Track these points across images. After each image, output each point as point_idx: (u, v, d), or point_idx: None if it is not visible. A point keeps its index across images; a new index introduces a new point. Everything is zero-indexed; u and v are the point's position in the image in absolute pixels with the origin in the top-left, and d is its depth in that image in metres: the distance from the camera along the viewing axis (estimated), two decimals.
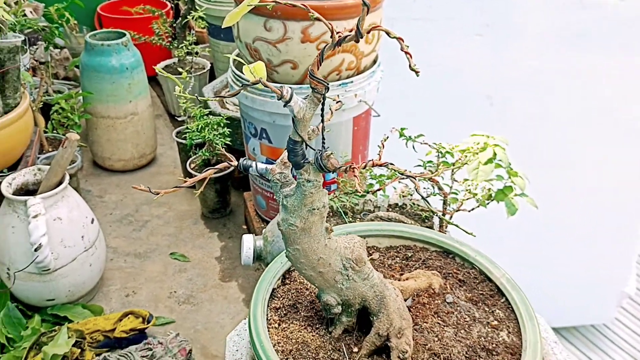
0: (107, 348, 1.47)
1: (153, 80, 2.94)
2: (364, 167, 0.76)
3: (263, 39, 1.47)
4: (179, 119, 2.62)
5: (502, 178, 1.38)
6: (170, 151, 2.55)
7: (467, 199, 1.30)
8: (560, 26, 2.76)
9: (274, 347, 0.89)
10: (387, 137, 0.94)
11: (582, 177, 2.95)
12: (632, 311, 3.90)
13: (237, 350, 1.01)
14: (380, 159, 0.81)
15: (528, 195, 1.41)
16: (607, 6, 2.73)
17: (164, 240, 1.97)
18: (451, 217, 1.29)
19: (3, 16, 1.52)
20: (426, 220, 1.36)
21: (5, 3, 1.75)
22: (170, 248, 1.93)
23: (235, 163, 0.91)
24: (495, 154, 1.35)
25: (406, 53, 0.63)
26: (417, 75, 0.63)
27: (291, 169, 0.87)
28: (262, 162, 0.89)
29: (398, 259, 1.12)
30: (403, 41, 0.64)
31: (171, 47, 2.65)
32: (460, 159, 1.30)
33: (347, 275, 0.88)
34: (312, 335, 0.93)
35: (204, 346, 1.54)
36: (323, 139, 0.79)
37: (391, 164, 0.76)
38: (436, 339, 0.93)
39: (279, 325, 0.95)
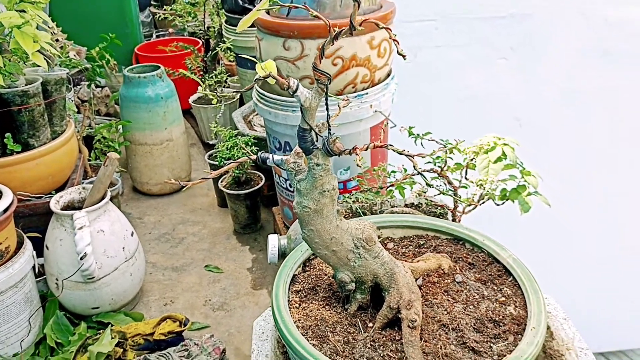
0: (147, 350, 1.55)
1: (187, 113, 3.10)
2: (366, 149, 0.84)
3: (283, 58, 1.57)
4: (211, 142, 2.75)
5: (515, 178, 1.42)
6: (203, 175, 2.67)
7: (477, 195, 1.35)
8: (585, 46, 2.79)
9: (294, 323, 0.96)
10: (395, 126, 1.01)
11: (617, 196, 2.91)
12: None
13: (262, 333, 1.07)
14: (383, 144, 0.89)
15: (541, 194, 1.45)
16: (632, 22, 2.76)
17: (199, 255, 2.07)
18: (463, 211, 1.34)
19: (50, 51, 1.67)
20: (440, 217, 1.42)
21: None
22: (205, 261, 2.02)
23: (254, 157, 0.99)
24: (504, 153, 1.40)
25: (394, 40, 0.71)
26: (405, 60, 0.70)
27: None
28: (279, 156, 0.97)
29: (411, 247, 1.18)
30: (390, 30, 0.72)
31: (203, 80, 2.80)
32: (472, 159, 1.36)
33: (359, 254, 0.95)
34: (330, 313, 0.99)
35: (237, 348, 1.61)
36: (329, 126, 0.87)
37: (391, 145, 0.83)
38: (445, 312, 0.98)
39: (299, 305, 1.01)
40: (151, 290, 1.86)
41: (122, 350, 1.46)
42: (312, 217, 0.91)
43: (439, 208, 1.41)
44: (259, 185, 2.09)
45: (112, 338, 1.45)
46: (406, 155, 0.82)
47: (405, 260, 1.12)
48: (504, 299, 1.01)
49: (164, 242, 2.17)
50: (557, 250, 2.93)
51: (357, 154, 0.76)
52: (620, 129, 2.84)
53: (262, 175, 2.15)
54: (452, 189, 1.27)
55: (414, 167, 0.89)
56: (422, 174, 0.87)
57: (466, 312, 0.98)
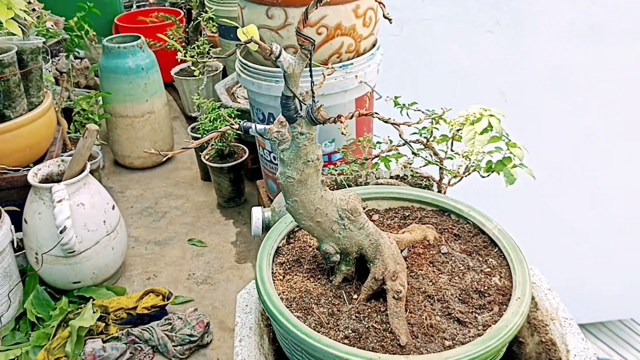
0: (130, 324, 1.54)
1: (169, 86, 3.04)
2: (351, 117, 0.82)
3: (266, 26, 1.53)
4: (193, 114, 2.71)
5: (501, 150, 1.41)
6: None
7: (462, 167, 1.34)
8: (571, 21, 2.77)
9: (279, 295, 0.95)
10: (380, 97, 0.99)
11: (603, 170, 2.92)
12: None
13: (246, 306, 1.06)
14: (368, 112, 0.87)
15: (527, 166, 1.44)
16: None
17: (182, 229, 2.04)
18: (449, 183, 1.33)
19: (25, 19, 1.61)
20: (426, 189, 1.41)
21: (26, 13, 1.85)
22: (188, 235, 2.00)
23: (236, 127, 0.97)
24: (490, 124, 1.39)
25: (379, 3, 0.69)
26: (390, 23, 0.68)
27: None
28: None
29: (397, 219, 1.17)
30: None
31: (185, 51, 2.74)
32: (459, 130, 1.35)
33: (344, 225, 0.93)
34: (314, 285, 0.98)
35: (221, 321, 1.60)
36: (313, 94, 0.84)
37: (376, 113, 0.81)
38: (430, 283, 0.97)
39: (283, 277, 1.00)
40: (134, 265, 1.84)
41: (104, 324, 1.45)
42: (296, 187, 0.90)
43: (425, 180, 1.39)
44: (243, 158, 2.06)
45: (93, 312, 1.43)
46: (392, 123, 0.80)
47: (391, 232, 1.11)
48: (489, 269, 1.01)
49: (146, 216, 2.14)
50: (542, 223, 2.95)
51: (341, 122, 0.74)
52: (605, 103, 2.84)
53: (245, 148, 2.12)
54: (438, 160, 1.26)
55: (400, 136, 0.87)
56: (408, 143, 0.85)
57: (451, 283, 0.98)
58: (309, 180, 0.90)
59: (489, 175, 1.38)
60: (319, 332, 0.86)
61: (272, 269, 1.01)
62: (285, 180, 0.90)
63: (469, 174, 1.32)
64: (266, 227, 1.34)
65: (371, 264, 0.95)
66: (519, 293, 0.92)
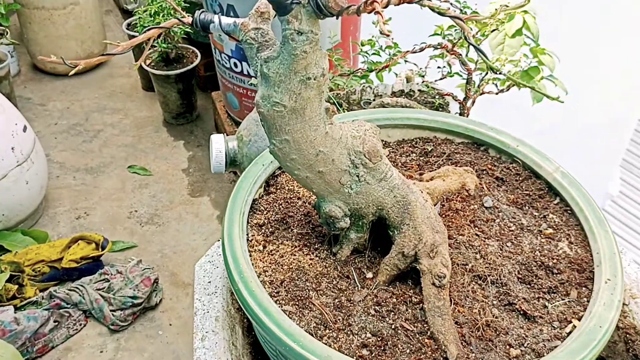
0: (55, 281, 1.24)
1: None
2: (386, 5, 0.49)
3: None
4: (129, 7, 2.28)
5: (527, 57, 1.13)
6: (114, 48, 2.21)
7: (492, 80, 1.05)
8: None
9: (259, 277, 0.66)
10: None
11: (571, 70, 2.68)
12: (615, 213, 3.79)
13: (209, 282, 0.77)
14: None
15: (557, 79, 1.17)
16: None
17: (121, 152, 1.70)
18: (473, 103, 1.04)
19: None
20: (440, 109, 1.11)
21: None
22: (128, 161, 1.67)
23: (188, 20, 0.63)
24: (525, 23, 1.09)
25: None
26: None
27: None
28: (230, 22, 0.61)
29: (414, 155, 0.87)
30: None
31: None
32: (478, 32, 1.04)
33: (357, 175, 0.64)
34: (310, 259, 0.70)
35: (173, 273, 1.32)
36: None
37: None
38: (478, 256, 0.70)
39: (264, 247, 0.71)
40: (59, 199, 1.51)
41: (17, 286, 1.14)
42: (288, 120, 0.58)
43: (440, 98, 1.09)
44: (194, 64, 1.70)
45: (1, 272, 1.12)
46: (452, 17, 0.48)
47: (410, 176, 0.81)
48: (551, 230, 0.74)
49: (74, 135, 1.78)
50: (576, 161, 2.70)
51: (380, 13, 0.42)
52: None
53: (197, 51, 1.75)
54: (467, 71, 0.96)
55: (465, 37, 0.55)
56: (478, 49, 0.54)
57: (504, 253, 0.71)
58: (308, 108, 0.58)
59: (508, 89, 1.11)
60: (322, 338, 0.59)
61: (248, 235, 0.71)
62: (270, 109, 0.58)
63: (502, 91, 1.03)
64: (231, 161, 1.03)
65: (396, 232, 0.66)
66: (607, 272, 0.66)
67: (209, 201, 1.52)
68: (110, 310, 1.16)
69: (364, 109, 1.07)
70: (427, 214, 0.66)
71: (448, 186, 0.75)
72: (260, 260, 0.69)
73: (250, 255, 0.69)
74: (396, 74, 1.25)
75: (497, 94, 1.03)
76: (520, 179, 0.83)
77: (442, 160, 0.85)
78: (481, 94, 1.03)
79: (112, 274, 1.22)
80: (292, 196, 0.79)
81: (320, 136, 0.61)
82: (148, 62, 1.74)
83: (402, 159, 0.87)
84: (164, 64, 1.73)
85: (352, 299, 0.65)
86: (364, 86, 1.11)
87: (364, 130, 0.65)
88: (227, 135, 1.15)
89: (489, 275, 0.67)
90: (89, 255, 1.25)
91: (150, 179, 1.59)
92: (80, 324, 1.17)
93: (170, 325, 1.19)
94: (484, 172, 0.84)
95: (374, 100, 1.11)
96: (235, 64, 1.41)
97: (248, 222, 0.74)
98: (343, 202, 0.66)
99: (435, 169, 0.84)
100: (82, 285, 1.19)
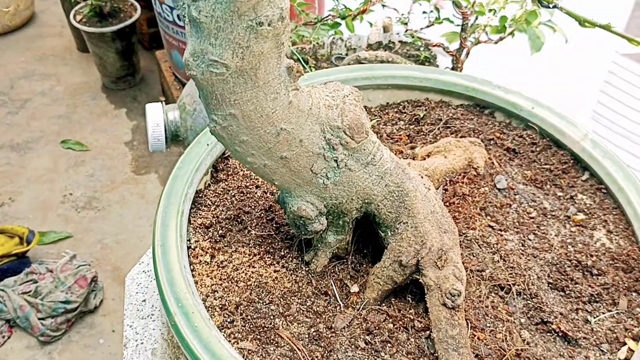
0: None
1: None
2: None
3: None
4: None
5: None
6: (55, 6, 1.97)
7: (488, 26, 0.88)
8: None
9: (205, 300, 0.50)
10: None
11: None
12: None
13: (144, 302, 0.60)
14: None
15: (556, 25, 1.03)
16: None
17: (52, 125, 1.49)
18: (468, 55, 0.87)
19: None
20: (425, 64, 0.94)
21: None
22: (62, 135, 1.46)
23: None
24: None
25: None
26: None
27: None
28: None
29: (402, 123, 0.71)
30: None
31: None
32: None
33: (336, 160, 0.47)
34: (275, 272, 0.53)
35: (115, 267, 1.14)
36: None
37: None
38: (496, 257, 0.54)
39: (213, 258, 0.54)
40: None
41: None
42: (233, 86, 0.41)
43: (425, 50, 0.92)
44: (133, 19, 1.49)
45: None
46: None
47: (399, 152, 0.65)
48: (582, 216, 0.60)
49: None
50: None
51: None
52: None
53: (136, 3, 1.53)
54: (461, 16, 0.78)
55: None
56: None
57: (527, 250, 0.55)
58: (262, 68, 0.41)
59: (501, 39, 0.96)
60: None
61: (190, 241, 0.54)
62: (205, 71, 0.40)
63: (502, 39, 0.86)
64: (172, 136, 0.84)
65: (389, 232, 0.50)
66: None
67: (156, 179, 1.33)
68: (39, 319, 0.98)
69: (336, 65, 0.89)
70: (431, 207, 0.50)
71: (451, 164, 0.59)
72: (208, 276, 0.52)
73: (193, 270, 0.52)
74: (371, 24, 1.07)
75: (496, 42, 0.87)
76: (538, 149, 0.67)
77: (438, 128, 0.69)
78: (477, 44, 0.86)
79: (40, 273, 1.04)
80: (248, 184, 0.62)
81: (282, 108, 0.43)
82: (79, 18, 1.51)
83: (387, 128, 0.70)
84: (97, 20, 1.51)
85: (333, 325, 0.49)
86: (334, 38, 0.93)
87: (342, 96, 0.48)
88: (168, 103, 0.96)
89: (513, 284, 0.52)
90: (11, 252, 1.07)
91: (88, 155, 1.39)
92: (4, 337, 0.99)
93: (114, 331, 1.02)
94: (491, 142, 0.68)
95: (346, 55, 0.93)
96: (179, 17, 1.21)
97: (190, 223, 0.56)
98: (317, 196, 0.49)
99: (430, 141, 0.67)
100: (3, 290, 1.01)
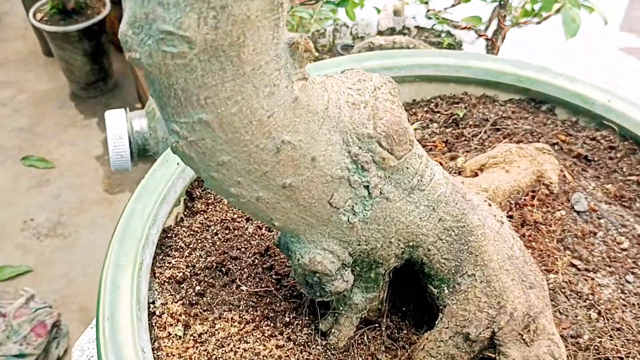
0: None
1: None
2: None
3: None
4: None
5: None
6: (18, 6, 1.81)
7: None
8: None
9: None
10: None
11: None
12: None
13: None
14: None
15: (594, 6, 0.90)
16: None
17: (12, 139, 1.34)
18: (503, 40, 0.71)
19: None
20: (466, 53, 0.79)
21: None
22: (23, 150, 1.31)
23: None
24: None
25: None
26: None
27: None
28: None
29: (436, 125, 0.56)
30: None
31: None
32: None
33: (367, 186, 0.31)
34: (278, 347, 0.38)
35: (82, 307, 0.98)
36: None
37: None
38: (593, 314, 0.39)
39: (187, 328, 0.38)
40: None
41: None
42: (202, 75, 0.24)
43: (448, 36, 0.76)
44: (101, 15, 1.34)
45: None
46: None
47: (438, 164, 0.49)
48: None
49: None
50: None
51: None
52: None
53: None
54: None
55: None
56: None
57: (628, 297, 0.40)
58: (248, 43, 0.24)
59: (545, 19, 0.83)
60: None
61: (154, 304, 0.38)
62: (153, 53, 0.23)
63: (544, 19, 0.71)
64: (140, 151, 0.68)
65: (446, 289, 0.34)
66: None
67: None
68: None
69: (342, 55, 0.74)
70: (508, 250, 0.34)
71: (517, 182, 0.44)
72: (180, 359, 0.36)
73: (157, 350, 0.36)
74: (378, 10, 0.91)
75: (538, 23, 0.71)
76: (618, 155, 0.52)
77: (485, 131, 0.54)
78: (515, 25, 0.71)
79: None
80: (235, 216, 0.46)
81: (282, 108, 0.28)
82: (40, 16, 1.36)
83: (416, 133, 0.54)
84: (61, 18, 1.35)
85: None
86: (337, 25, 0.77)
87: (372, 89, 0.32)
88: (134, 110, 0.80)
89: (627, 356, 0.36)
90: None
91: (53, 173, 1.24)
92: None
93: None
94: (555, 147, 0.53)
95: (353, 44, 0.77)
96: None
97: (154, 278, 0.41)
98: (338, 240, 0.33)
99: (476, 148, 0.52)
100: None
